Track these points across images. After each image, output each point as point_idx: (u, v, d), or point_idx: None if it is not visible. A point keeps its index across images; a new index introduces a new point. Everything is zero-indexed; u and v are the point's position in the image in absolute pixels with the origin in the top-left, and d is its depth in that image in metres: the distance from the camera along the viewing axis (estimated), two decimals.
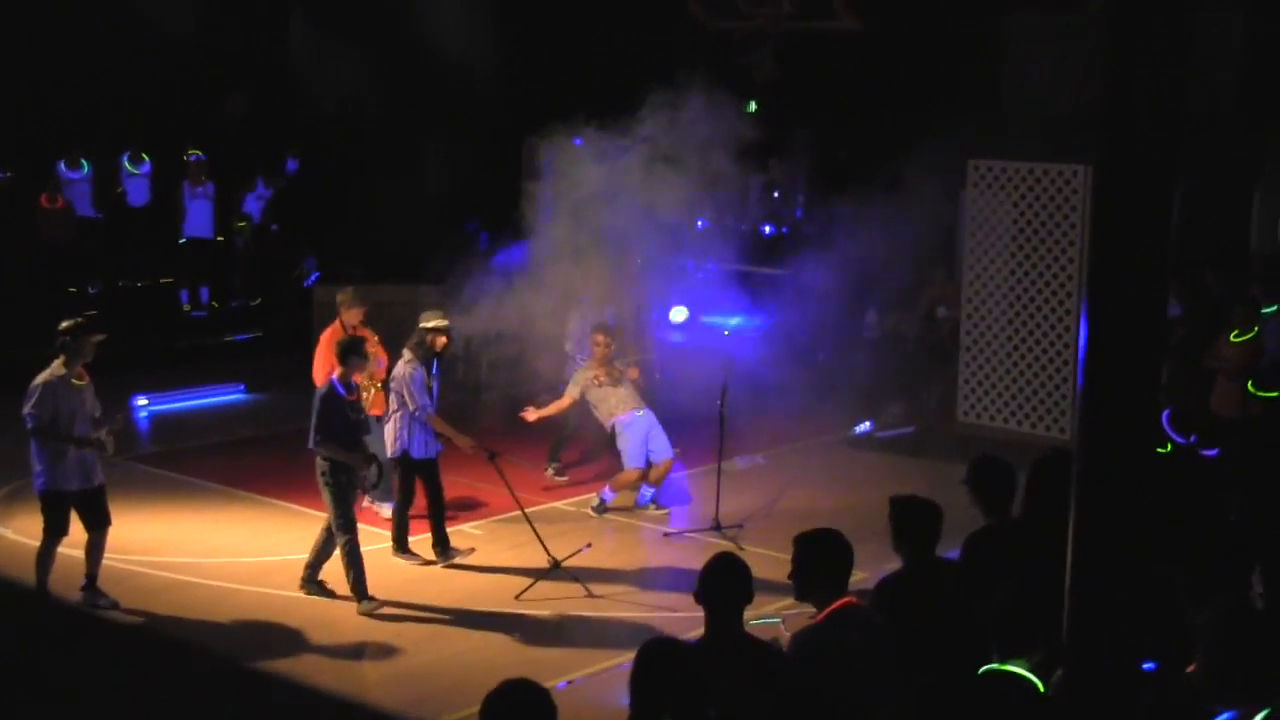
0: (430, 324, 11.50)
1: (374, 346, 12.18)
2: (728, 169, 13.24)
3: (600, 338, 12.96)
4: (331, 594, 10.74)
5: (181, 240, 19.63)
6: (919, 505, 6.79)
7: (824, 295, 15.10)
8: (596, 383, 12.89)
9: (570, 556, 11.14)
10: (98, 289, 19.50)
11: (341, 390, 10.60)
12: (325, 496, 10.59)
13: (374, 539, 11.87)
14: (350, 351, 10.72)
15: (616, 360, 13.02)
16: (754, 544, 11.43)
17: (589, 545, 11.44)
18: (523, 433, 13.20)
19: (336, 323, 12.23)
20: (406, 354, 11.49)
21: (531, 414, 12.83)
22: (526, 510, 11.55)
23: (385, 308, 14.77)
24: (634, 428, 12.78)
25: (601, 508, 12.82)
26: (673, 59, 13.67)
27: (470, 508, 12.80)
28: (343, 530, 10.51)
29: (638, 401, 12.92)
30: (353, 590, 10.52)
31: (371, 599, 10.53)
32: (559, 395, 13.11)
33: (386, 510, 12.18)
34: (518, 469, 12.46)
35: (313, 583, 10.78)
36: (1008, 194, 15.49)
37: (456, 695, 8.92)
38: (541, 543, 11.18)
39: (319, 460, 10.56)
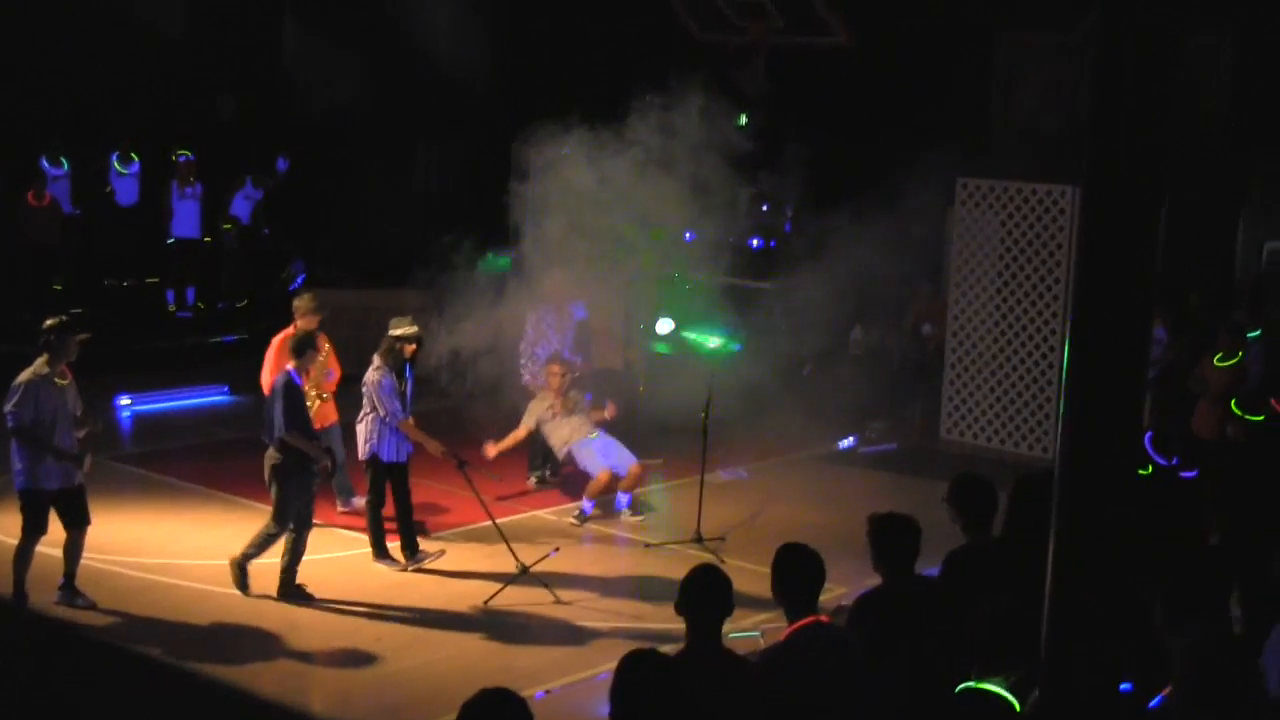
0: (398, 332, 11.54)
1: (326, 357, 12.25)
2: (716, 180, 13.26)
3: (556, 368, 13.13)
4: (310, 598, 10.73)
5: (170, 240, 19.60)
6: (897, 522, 6.80)
7: (810, 310, 15.11)
8: (551, 414, 13.05)
9: (538, 562, 11.15)
10: (62, 285, 19.28)
11: (299, 381, 10.80)
12: (274, 489, 10.72)
13: (354, 544, 11.89)
14: (307, 345, 10.98)
15: (571, 391, 13.16)
16: (735, 557, 11.42)
17: (557, 549, 11.47)
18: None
19: (291, 328, 12.27)
20: (376, 360, 11.52)
21: (491, 450, 12.85)
22: (506, 519, 11.58)
23: (371, 313, 14.78)
24: (589, 446, 12.95)
25: (582, 518, 12.83)
26: (665, 69, 13.68)
27: (444, 513, 12.79)
28: (278, 521, 10.69)
29: (591, 428, 13.09)
30: (236, 562, 10.71)
31: (246, 584, 10.66)
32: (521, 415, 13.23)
33: (357, 502, 12.39)
34: (484, 477, 12.53)
35: (288, 592, 10.77)
36: (995, 213, 15.54)
37: (434, 703, 8.90)
38: (510, 549, 11.18)
39: (271, 454, 10.70)
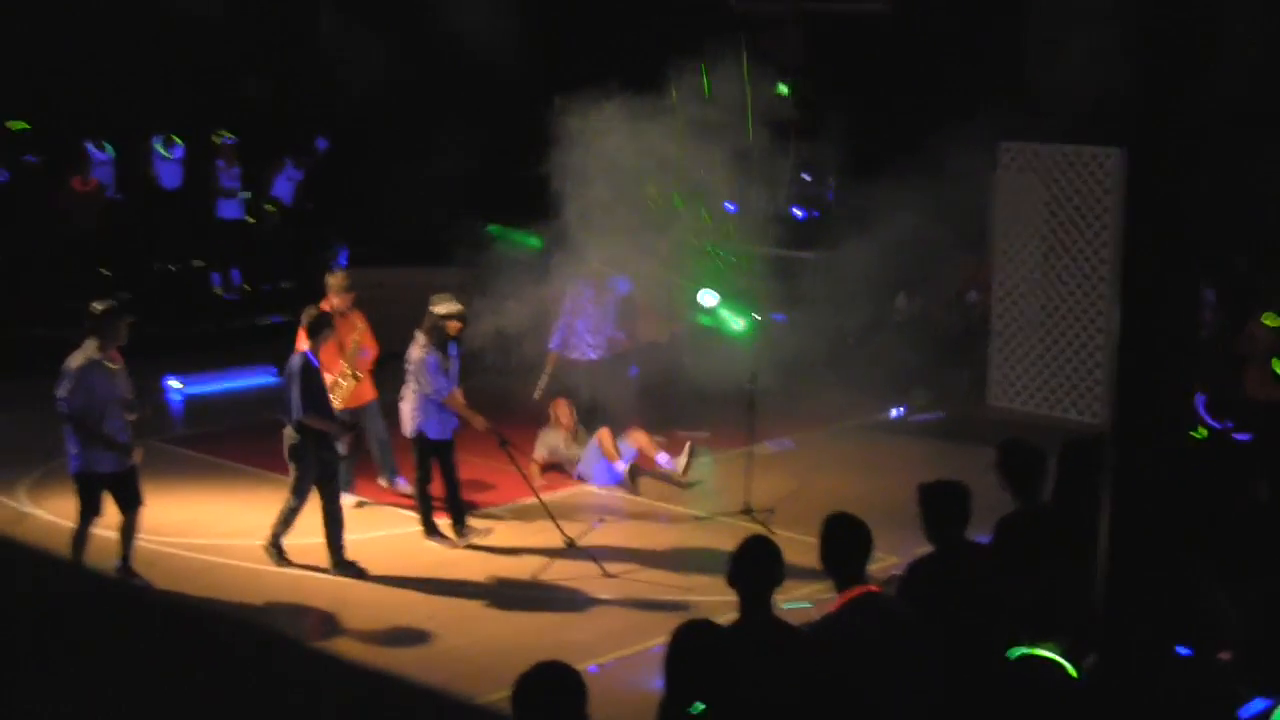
0: (441, 310, 11.55)
1: (361, 335, 12.25)
2: (757, 150, 13.20)
3: (562, 403, 13.35)
4: (363, 574, 10.82)
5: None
6: (948, 488, 6.79)
7: (854, 279, 15.03)
8: (564, 445, 13.28)
9: (584, 535, 11.21)
10: (109, 269, 19.34)
11: (316, 363, 10.96)
12: (293, 465, 10.93)
13: (404, 521, 11.96)
14: (322, 325, 11.15)
15: (580, 427, 13.35)
16: (785, 528, 11.42)
17: (600, 521, 11.57)
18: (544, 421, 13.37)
19: (325, 305, 12.32)
20: (421, 338, 11.55)
21: (539, 479, 12.80)
22: (551, 494, 11.72)
23: (411, 291, 14.79)
24: (592, 448, 13.15)
25: (628, 484, 12.88)
26: (701, 39, 13.61)
27: (489, 490, 12.84)
28: (296, 495, 10.92)
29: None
30: (269, 542, 11.02)
31: (280, 554, 10.96)
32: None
33: (402, 485, 12.49)
34: (527, 456, 12.75)
35: (342, 564, 10.88)
36: (1039, 177, 15.42)
37: (489, 676, 8.88)
38: (556, 524, 11.27)
39: (289, 432, 10.87)
